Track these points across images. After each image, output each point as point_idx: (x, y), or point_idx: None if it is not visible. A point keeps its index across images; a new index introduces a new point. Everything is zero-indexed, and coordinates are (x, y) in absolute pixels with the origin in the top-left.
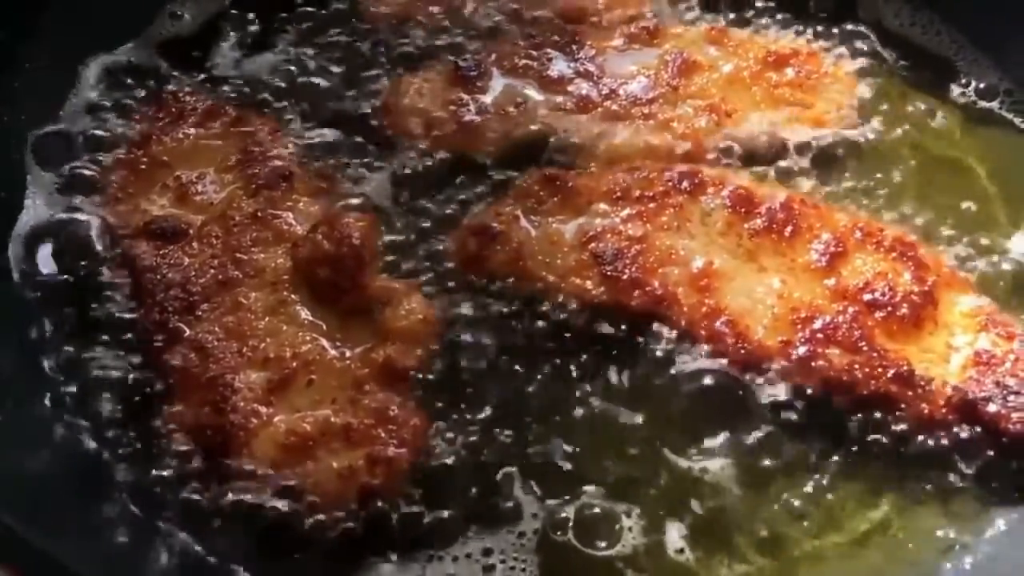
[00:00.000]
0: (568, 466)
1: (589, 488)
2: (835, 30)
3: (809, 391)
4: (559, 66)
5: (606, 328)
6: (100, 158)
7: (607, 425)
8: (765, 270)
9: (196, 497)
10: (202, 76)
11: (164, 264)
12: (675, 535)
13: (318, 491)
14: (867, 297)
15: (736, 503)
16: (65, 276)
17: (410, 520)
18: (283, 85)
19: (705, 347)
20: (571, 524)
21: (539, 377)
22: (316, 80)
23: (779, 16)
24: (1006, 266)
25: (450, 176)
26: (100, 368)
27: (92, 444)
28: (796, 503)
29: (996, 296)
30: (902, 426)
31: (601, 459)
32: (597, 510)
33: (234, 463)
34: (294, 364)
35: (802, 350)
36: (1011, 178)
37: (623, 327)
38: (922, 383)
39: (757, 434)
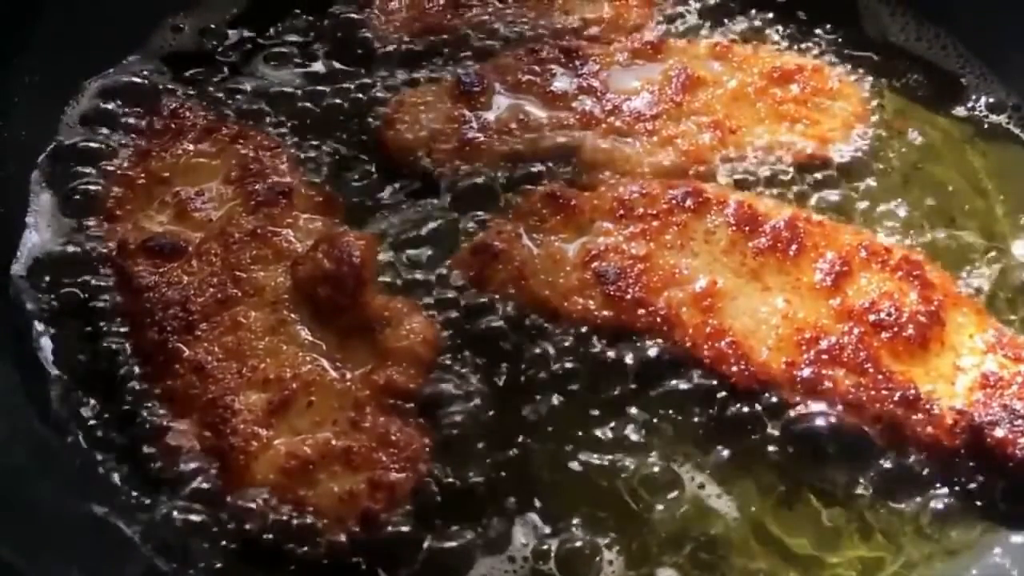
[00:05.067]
0: (562, 491)
1: (575, 519)
2: (840, 45)
3: (810, 414)
4: (562, 82)
5: (606, 349)
6: (99, 173)
7: (600, 449)
8: (769, 289)
9: (194, 519)
10: (202, 91)
11: (163, 282)
12: (668, 568)
13: (319, 515)
14: (873, 317)
15: (732, 533)
16: (64, 293)
17: (408, 544)
18: (283, 100)
19: (706, 369)
20: (553, 555)
21: (538, 399)
22: (317, 95)
23: (784, 31)
24: (1015, 283)
25: (451, 193)
26: (98, 388)
27: (88, 465)
28: (794, 532)
29: (1004, 315)
30: (908, 453)
31: (594, 487)
32: (579, 543)
33: (234, 486)
34: (294, 385)
35: (807, 372)
36: (1019, 194)
37: (621, 347)
38: (928, 406)
39: (755, 460)
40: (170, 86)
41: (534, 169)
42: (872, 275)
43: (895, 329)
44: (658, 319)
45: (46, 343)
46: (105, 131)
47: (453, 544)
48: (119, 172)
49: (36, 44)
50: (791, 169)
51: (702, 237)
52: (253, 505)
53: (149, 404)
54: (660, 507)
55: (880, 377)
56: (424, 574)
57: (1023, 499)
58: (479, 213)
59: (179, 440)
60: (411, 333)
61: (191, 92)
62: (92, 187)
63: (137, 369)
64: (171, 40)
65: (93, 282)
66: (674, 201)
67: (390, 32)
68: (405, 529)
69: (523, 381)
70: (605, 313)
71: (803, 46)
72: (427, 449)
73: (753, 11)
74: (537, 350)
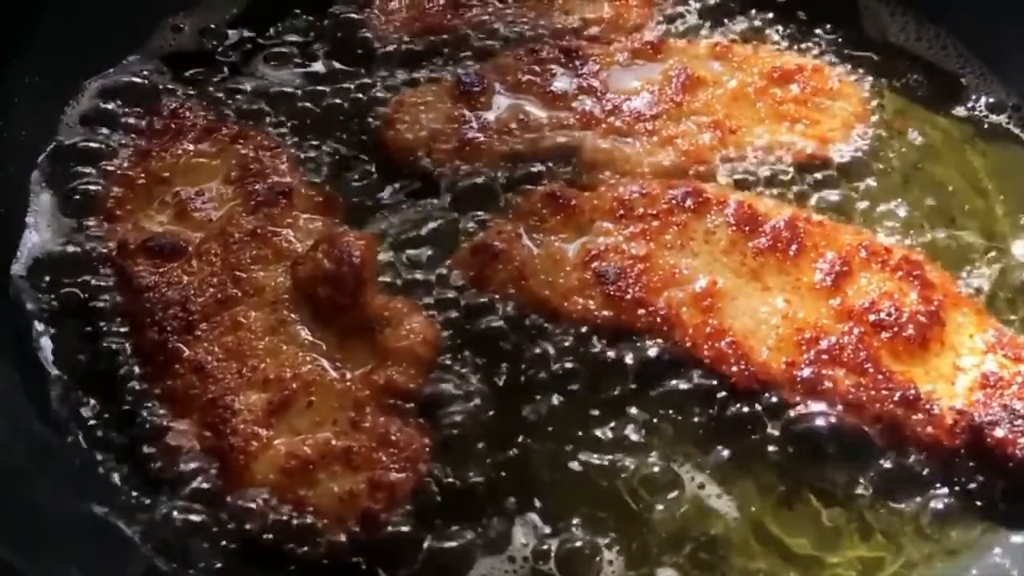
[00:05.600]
0: (562, 491)
1: (575, 519)
2: (840, 45)
3: (810, 414)
4: (562, 82)
5: (606, 349)
6: (99, 173)
7: (601, 449)
8: (769, 289)
9: (194, 519)
10: (202, 91)
11: (163, 282)
12: (669, 568)
13: (319, 515)
14: (873, 317)
15: (732, 533)
16: (64, 293)
17: (408, 544)
18: (283, 100)
19: (706, 369)
20: (553, 555)
21: (538, 399)
22: (317, 95)
23: (784, 31)
24: (1015, 283)
25: (451, 193)
26: (98, 388)
27: (88, 465)
28: (794, 532)
29: (1004, 315)
30: (908, 453)
31: (594, 487)
32: (579, 543)
33: (234, 486)
34: (294, 385)
35: (807, 372)
36: (1019, 194)
37: (621, 347)
38: (928, 406)
39: (755, 460)
40: (170, 86)
41: (534, 169)
42: (872, 275)
43: (895, 329)
44: (658, 319)
45: (46, 343)
46: (105, 131)
47: (453, 544)
48: (119, 172)
49: (36, 44)
50: (791, 169)
51: (702, 237)
52: (253, 505)
53: (149, 404)
54: (660, 507)
55: (880, 377)
56: (424, 574)
57: (1023, 499)
58: (479, 213)
59: (179, 440)
60: (411, 333)
61: (191, 92)
62: (92, 187)
63: (137, 369)
64: (171, 40)
65: (93, 282)
66: (674, 201)
67: (390, 32)
68: (405, 529)
69: (523, 381)
70: (605, 313)
71: (803, 46)
72: (427, 449)
73: (753, 11)
74: (537, 350)
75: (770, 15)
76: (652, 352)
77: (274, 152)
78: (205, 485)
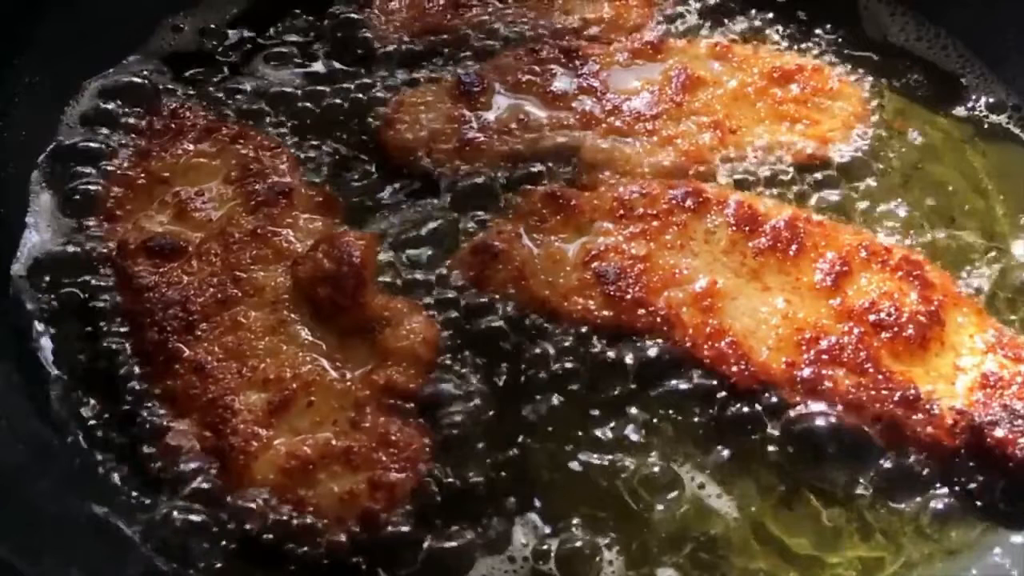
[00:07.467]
0: (562, 491)
1: (575, 519)
2: (840, 45)
3: (810, 414)
4: (562, 82)
5: (606, 349)
6: (99, 173)
7: (601, 449)
8: (769, 289)
9: (194, 519)
10: (202, 91)
11: (163, 282)
12: (668, 568)
13: (319, 515)
14: (873, 317)
15: (732, 533)
16: (64, 293)
17: (408, 544)
18: (283, 100)
19: (706, 369)
20: (553, 555)
21: (538, 399)
22: (317, 95)
23: (784, 31)
24: (1015, 283)
25: (451, 193)
26: (98, 388)
27: (88, 465)
28: (794, 532)
29: (1004, 315)
30: (908, 453)
31: (594, 487)
32: (579, 543)
33: (234, 486)
34: (294, 385)
35: (807, 372)
36: (1019, 194)
37: (621, 347)
38: (928, 406)
39: (755, 460)
40: (170, 86)
41: (534, 169)
42: (872, 275)
43: (895, 329)
44: (658, 319)
45: (46, 343)
46: (105, 131)
47: (453, 544)
48: (119, 172)
49: (36, 44)
50: (791, 169)
51: (702, 237)
52: (253, 505)
53: (149, 404)
54: (660, 507)
55: (880, 377)
56: (424, 574)
57: (1023, 499)
58: (479, 213)
59: (179, 440)
60: (411, 333)
61: (191, 92)
62: (92, 187)
63: (137, 369)
64: (171, 40)
65: (93, 282)
66: (674, 201)
67: (390, 32)
68: (405, 529)
69: (523, 381)
70: (605, 313)
71: (803, 46)
72: (427, 449)
73: (753, 11)
74: (537, 350)
75: (770, 15)
76: (652, 352)
77: (274, 152)
78: (205, 485)
